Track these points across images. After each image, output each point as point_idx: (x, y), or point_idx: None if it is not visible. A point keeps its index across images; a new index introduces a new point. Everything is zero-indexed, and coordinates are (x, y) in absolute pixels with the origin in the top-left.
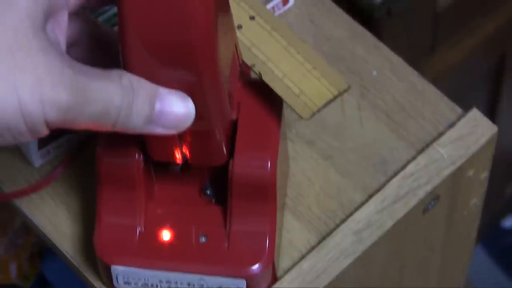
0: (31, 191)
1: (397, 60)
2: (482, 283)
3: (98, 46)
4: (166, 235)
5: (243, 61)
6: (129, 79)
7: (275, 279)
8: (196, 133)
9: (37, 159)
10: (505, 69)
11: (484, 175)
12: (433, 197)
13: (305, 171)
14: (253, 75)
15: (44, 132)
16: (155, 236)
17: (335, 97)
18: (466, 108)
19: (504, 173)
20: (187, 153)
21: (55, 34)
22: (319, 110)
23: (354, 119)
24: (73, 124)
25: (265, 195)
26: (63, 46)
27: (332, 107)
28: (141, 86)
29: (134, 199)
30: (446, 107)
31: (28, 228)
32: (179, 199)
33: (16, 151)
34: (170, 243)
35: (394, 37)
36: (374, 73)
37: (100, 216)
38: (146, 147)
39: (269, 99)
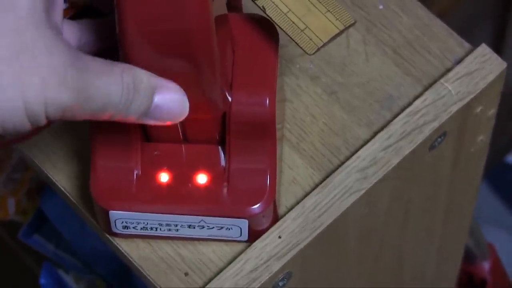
0: (33, 135)
1: None
2: (486, 219)
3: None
4: (164, 177)
5: None
6: (132, 75)
7: (277, 217)
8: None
9: None
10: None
11: (492, 111)
12: (439, 134)
13: (308, 107)
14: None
15: (43, 123)
16: (153, 179)
17: (340, 32)
18: (472, 43)
19: (508, 109)
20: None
21: (56, 23)
22: (324, 45)
23: (359, 54)
24: (72, 118)
25: (264, 132)
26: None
27: (337, 42)
28: (142, 82)
29: (129, 142)
30: (454, 42)
31: (26, 163)
32: (176, 139)
33: None
34: (169, 185)
35: None
36: (380, 7)
37: (95, 160)
38: None
39: (265, 34)
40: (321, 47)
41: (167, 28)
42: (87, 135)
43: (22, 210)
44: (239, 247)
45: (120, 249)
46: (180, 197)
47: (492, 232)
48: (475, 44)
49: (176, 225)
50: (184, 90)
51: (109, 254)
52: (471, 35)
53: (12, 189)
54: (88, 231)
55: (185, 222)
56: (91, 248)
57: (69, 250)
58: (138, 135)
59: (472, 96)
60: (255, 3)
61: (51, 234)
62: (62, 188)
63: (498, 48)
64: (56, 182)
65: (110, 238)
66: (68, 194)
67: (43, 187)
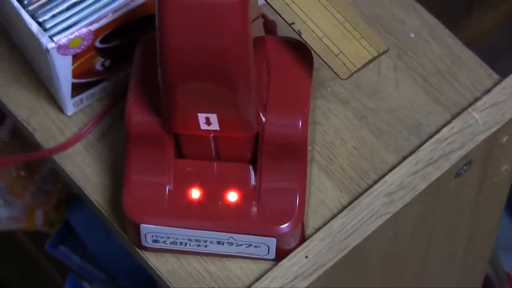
0: (66, 147)
1: (435, 23)
2: (504, 246)
3: None
4: (195, 193)
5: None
6: None
7: (304, 237)
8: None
9: (70, 107)
10: None
11: None
12: (465, 162)
13: (338, 131)
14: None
15: None
16: (185, 195)
17: (374, 58)
18: (498, 74)
19: None
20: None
21: None
22: (357, 71)
23: (390, 81)
24: None
25: (296, 153)
26: None
27: (368, 68)
28: None
29: (163, 157)
30: (483, 72)
31: (56, 175)
32: (209, 157)
33: (49, 98)
34: (200, 201)
35: (430, 0)
36: (412, 35)
37: (129, 174)
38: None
39: (300, 58)
40: (354, 72)
41: (208, 46)
42: (121, 149)
43: (49, 222)
44: (266, 265)
45: (149, 263)
46: (211, 214)
47: (510, 260)
48: (501, 75)
49: (205, 241)
50: (221, 108)
51: (134, 268)
52: (497, 66)
53: (41, 200)
54: (114, 244)
55: (214, 238)
56: (116, 261)
57: (94, 263)
58: (172, 152)
59: (498, 126)
60: (291, 27)
61: (77, 246)
62: (94, 201)
63: None
64: (88, 195)
65: (140, 251)
66: (99, 207)
67: (71, 199)
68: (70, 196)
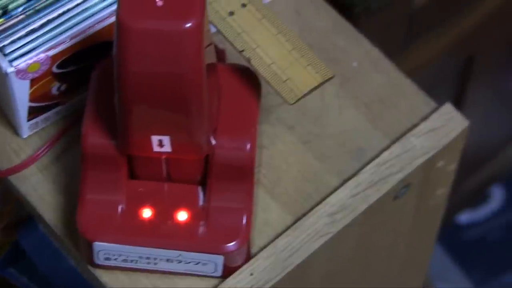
0: (21, 168)
1: (376, 53)
2: (437, 277)
3: None
4: (147, 212)
5: (221, 48)
6: None
7: (249, 255)
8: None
9: (25, 130)
10: (472, 71)
11: (452, 167)
12: (404, 185)
13: (283, 155)
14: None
15: None
16: (137, 214)
17: (320, 85)
18: (436, 102)
19: (460, 169)
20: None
21: None
22: (303, 96)
23: (333, 107)
24: None
25: (243, 175)
26: None
27: (312, 95)
28: None
29: (116, 178)
30: (421, 100)
31: (6, 199)
32: (160, 178)
33: (4, 121)
34: (151, 220)
35: (371, 32)
36: (355, 64)
37: (83, 194)
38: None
39: (248, 84)
40: (301, 97)
41: (163, 71)
42: (75, 171)
43: None
44: (213, 282)
45: (100, 280)
46: (161, 232)
47: None
48: (438, 103)
49: (155, 259)
50: (174, 131)
51: None
52: (434, 94)
53: None
54: (64, 265)
55: (164, 256)
56: (65, 282)
57: (43, 284)
58: (125, 172)
59: (435, 151)
60: (241, 54)
61: (25, 268)
62: (47, 220)
63: (458, 107)
64: (42, 215)
65: (92, 269)
66: (52, 227)
67: (21, 222)
68: (20, 219)
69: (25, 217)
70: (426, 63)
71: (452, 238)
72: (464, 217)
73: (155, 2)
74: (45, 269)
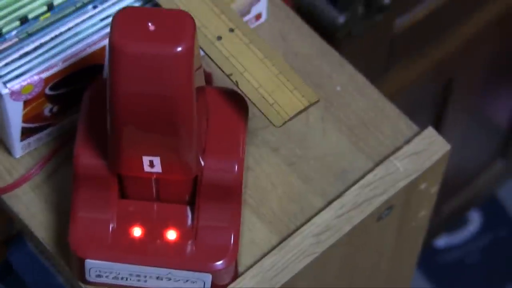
0: (14, 187)
1: (360, 78)
2: None
3: None
4: (137, 231)
5: (208, 71)
6: None
7: (236, 274)
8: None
9: (18, 150)
10: (451, 94)
11: (435, 189)
12: (387, 207)
13: (269, 176)
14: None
15: None
16: (127, 232)
17: (306, 108)
18: (417, 125)
19: (439, 192)
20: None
21: None
22: (290, 119)
23: (317, 130)
24: None
25: (231, 195)
26: None
27: (297, 118)
28: None
29: (107, 197)
30: (404, 124)
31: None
32: (150, 198)
33: None
34: (141, 239)
35: (352, 56)
36: (338, 88)
37: (75, 212)
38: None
39: (235, 106)
40: (288, 120)
41: (155, 93)
42: (66, 190)
43: None
44: None
45: None
46: (151, 251)
47: None
48: (420, 126)
49: (145, 276)
50: (164, 152)
51: None
52: (416, 118)
53: None
54: (53, 282)
55: (154, 273)
56: None
57: None
58: (116, 192)
59: (418, 173)
60: (229, 78)
61: (13, 284)
62: (39, 238)
63: (437, 130)
64: (34, 232)
65: (83, 286)
66: (44, 244)
67: (11, 240)
68: (10, 237)
69: (14, 234)
70: (406, 86)
71: (429, 261)
72: (442, 240)
73: (148, 26)
74: (33, 286)
